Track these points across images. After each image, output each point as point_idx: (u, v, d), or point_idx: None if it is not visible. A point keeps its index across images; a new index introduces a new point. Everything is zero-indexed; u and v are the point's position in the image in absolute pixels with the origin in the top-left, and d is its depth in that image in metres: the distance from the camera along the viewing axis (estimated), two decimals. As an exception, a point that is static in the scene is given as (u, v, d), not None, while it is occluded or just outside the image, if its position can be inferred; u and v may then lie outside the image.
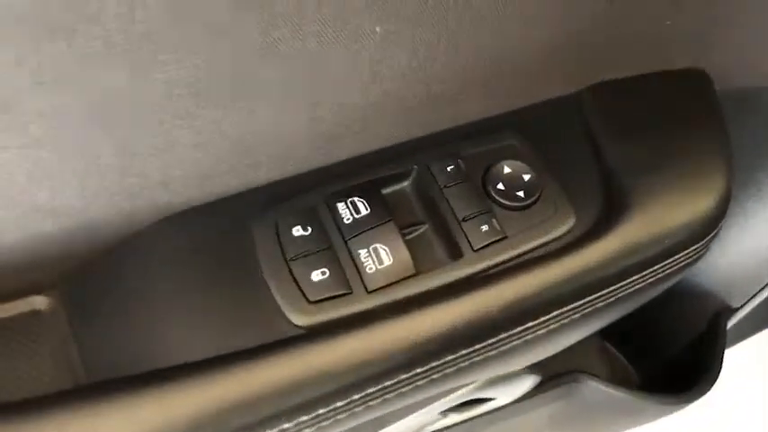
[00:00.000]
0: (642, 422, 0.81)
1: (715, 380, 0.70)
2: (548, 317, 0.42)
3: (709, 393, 0.71)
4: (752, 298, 0.74)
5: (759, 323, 0.85)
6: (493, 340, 0.41)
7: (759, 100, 0.57)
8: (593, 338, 0.76)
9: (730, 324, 0.77)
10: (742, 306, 0.76)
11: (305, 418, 0.38)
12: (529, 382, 0.62)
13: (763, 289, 0.74)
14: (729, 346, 0.86)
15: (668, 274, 0.47)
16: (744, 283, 0.73)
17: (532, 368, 0.60)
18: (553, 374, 0.65)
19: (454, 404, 0.55)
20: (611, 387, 0.67)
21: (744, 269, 0.71)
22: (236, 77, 0.35)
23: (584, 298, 0.43)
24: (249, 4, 0.32)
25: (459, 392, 0.51)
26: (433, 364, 0.40)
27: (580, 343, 0.71)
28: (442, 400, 0.50)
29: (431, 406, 0.50)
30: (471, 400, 0.58)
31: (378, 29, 0.37)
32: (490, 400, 0.60)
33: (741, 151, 0.62)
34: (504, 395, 0.60)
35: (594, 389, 0.67)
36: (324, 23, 0.35)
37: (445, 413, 0.58)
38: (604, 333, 0.80)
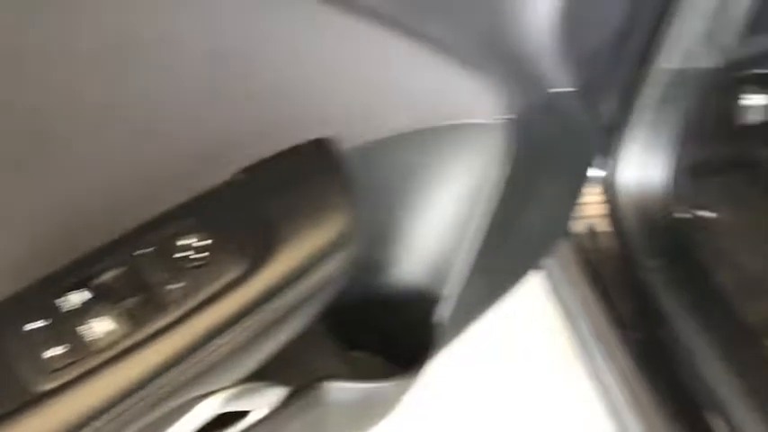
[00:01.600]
0: (397, 404, 1.00)
1: (428, 357, 0.91)
2: (222, 340, 0.61)
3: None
4: (452, 286, 0.97)
5: (473, 310, 1.09)
6: (185, 364, 0.59)
7: (384, 149, 0.79)
8: (334, 348, 0.94)
9: (447, 312, 0.99)
10: (448, 296, 0.97)
11: None
12: (275, 395, 0.78)
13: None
14: (457, 334, 1.09)
15: (314, 293, 0.67)
16: (441, 274, 0.95)
17: (277, 381, 0.78)
18: (300, 386, 0.82)
19: (207, 420, 0.71)
20: (348, 382, 0.85)
21: (434, 263, 0.93)
22: None
23: (240, 323, 0.62)
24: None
25: (208, 405, 0.67)
26: (152, 387, 0.58)
27: (322, 354, 0.90)
28: (191, 414, 0.66)
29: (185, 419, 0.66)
30: (229, 417, 0.74)
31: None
32: (245, 414, 0.76)
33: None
34: (254, 406, 0.77)
35: (337, 389, 0.84)
36: None
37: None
38: (352, 341, 1.00)
